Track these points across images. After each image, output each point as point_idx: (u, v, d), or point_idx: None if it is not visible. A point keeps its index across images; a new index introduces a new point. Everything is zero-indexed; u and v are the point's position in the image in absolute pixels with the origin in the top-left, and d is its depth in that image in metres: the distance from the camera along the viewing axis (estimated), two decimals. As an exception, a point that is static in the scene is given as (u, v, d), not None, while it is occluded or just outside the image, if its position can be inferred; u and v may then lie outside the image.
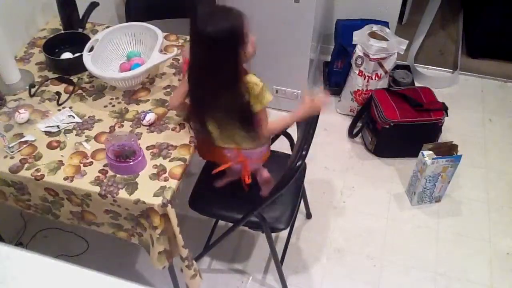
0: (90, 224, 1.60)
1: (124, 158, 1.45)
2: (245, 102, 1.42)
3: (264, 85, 1.43)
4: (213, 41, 1.33)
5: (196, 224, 2.17)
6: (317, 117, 1.61)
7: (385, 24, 2.63)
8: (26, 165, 1.50)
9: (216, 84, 1.41)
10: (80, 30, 1.97)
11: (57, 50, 1.89)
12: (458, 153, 2.15)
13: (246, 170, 1.63)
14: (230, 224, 1.75)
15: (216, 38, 1.32)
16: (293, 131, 1.80)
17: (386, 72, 2.53)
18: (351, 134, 2.64)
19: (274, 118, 1.56)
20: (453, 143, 2.18)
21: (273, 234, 1.88)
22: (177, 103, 1.57)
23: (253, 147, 1.59)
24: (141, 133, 1.61)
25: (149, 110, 1.67)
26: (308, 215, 2.26)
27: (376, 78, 2.53)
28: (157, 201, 1.40)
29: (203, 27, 1.31)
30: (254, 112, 1.45)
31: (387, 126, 2.36)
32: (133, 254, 2.11)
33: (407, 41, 2.49)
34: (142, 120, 1.62)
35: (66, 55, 1.87)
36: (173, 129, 1.62)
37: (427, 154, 2.12)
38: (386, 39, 2.47)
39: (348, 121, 2.69)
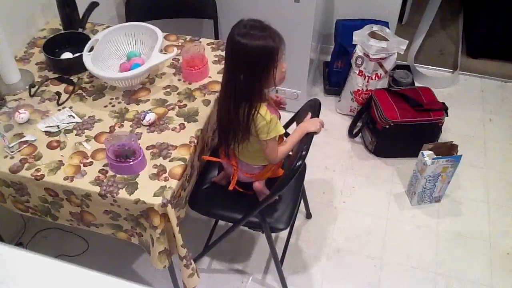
0: (89, 225, 1.60)
1: (124, 158, 1.45)
2: (246, 123, 1.44)
3: (272, 121, 1.45)
4: (243, 54, 1.35)
5: (196, 224, 2.17)
6: (317, 115, 1.64)
7: (385, 24, 2.63)
8: (26, 165, 1.50)
9: (233, 97, 1.43)
10: (80, 30, 1.97)
11: (57, 50, 1.89)
12: (458, 153, 2.15)
13: (234, 176, 1.66)
14: (230, 224, 1.75)
15: (247, 52, 1.34)
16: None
17: (386, 72, 2.53)
18: (351, 134, 2.64)
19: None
20: (453, 143, 2.18)
21: (273, 234, 1.89)
22: None
23: (251, 163, 1.63)
24: (141, 133, 1.61)
25: (149, 110, 1.67)
26: (308, 215, 2.26)
27: (376, 78, 2.53)
28: (157, 201, 1.40)
29: (239, 38, 1.34)
30: (261, 139, 1.48)
31: (387, 126, 2.36)
32: (133, 254, 2.11)
33: (407, 41, 2.49)
34: (142, 120, 1.62)
35: (66, 55, 1.87)
36: (173, 129, 1.62)
37: (427, 154, 2.12)
38: (386, 39, 2.47)
39: (348, 121, 2.69)
